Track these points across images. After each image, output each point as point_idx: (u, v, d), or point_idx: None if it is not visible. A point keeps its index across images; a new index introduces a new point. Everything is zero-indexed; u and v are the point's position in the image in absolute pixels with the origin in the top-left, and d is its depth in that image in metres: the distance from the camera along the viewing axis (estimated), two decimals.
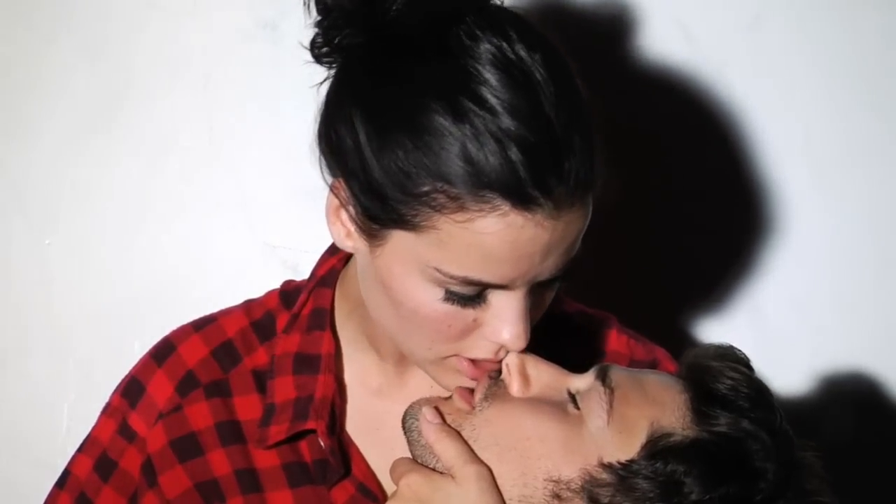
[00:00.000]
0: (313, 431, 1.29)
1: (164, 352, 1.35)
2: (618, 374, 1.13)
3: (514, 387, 1.15)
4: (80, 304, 1.73)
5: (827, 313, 1.72)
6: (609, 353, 1.36)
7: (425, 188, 1.10)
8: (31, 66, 1.69)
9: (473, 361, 1.19)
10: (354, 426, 1.32)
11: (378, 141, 1.12)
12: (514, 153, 1.07)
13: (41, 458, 1.72)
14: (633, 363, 1.34)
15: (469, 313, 1.16)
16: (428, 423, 1.14)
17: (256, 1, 1.68)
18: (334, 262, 1.35)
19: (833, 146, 1.70)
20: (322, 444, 1.29)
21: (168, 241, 1.71)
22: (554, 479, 1.08)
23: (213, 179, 1.70)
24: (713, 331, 1.72)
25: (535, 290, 1.17)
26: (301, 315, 1.33)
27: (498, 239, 1.09)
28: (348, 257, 1.34)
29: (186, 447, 1.31)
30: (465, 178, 1.08)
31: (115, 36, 1.69)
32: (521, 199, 1.08)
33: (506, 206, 1.08)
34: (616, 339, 1.37)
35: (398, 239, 1.14)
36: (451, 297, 1.14)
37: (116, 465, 1.34)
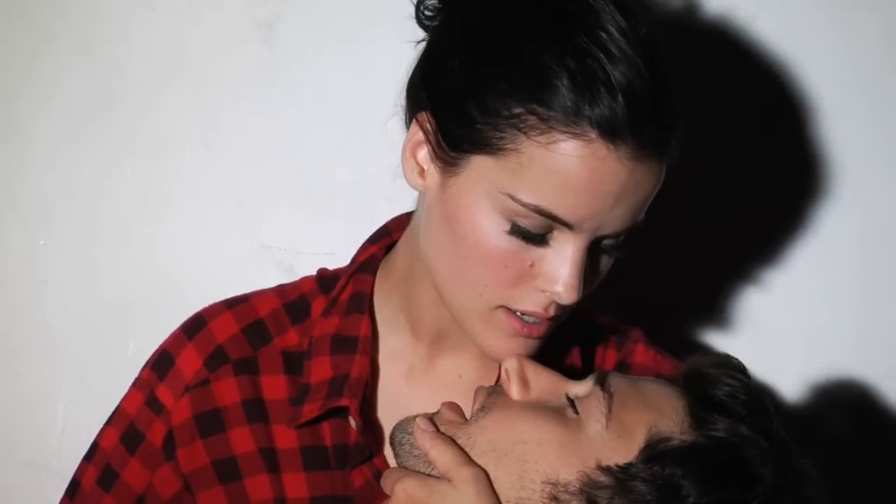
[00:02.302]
0: (346, 410, 1.30)
1: (195, 326, 1.37)
2: (616, 380, 1.14)
3: (514, 390, 1.16)
4: (75, 305, 1.72)
5: (822, 319, 1.73)
6: (635, 366, 1.38)
7: (517, 110, 1.15)
8: (25, 66, 1.69)
9: (520, 322, 1.22)
10: (382, 409, 1.34)
11: (480, 66, 1.17)
12: (618, 92, 1.13)
13: (36, 459, 1.72)
14: (659, 377, 1.33)
15: (528, 256, 1.18)
16: (422, 431, 1.15)
17: (252, 2, 1.68)
18: (375, 249, 1.37)
19: (827, 150, 1.70)
20: (353, 422, 1.30)
21: (163, 242, 1.71)
22: (552, 481, 1.08)
23: (209, 180, 1.70)
24: (709, 337, 1.72)
25: (594, 252, 1.20)
26: (340, 299, 1.36)
27: (580, 164, 1.14)
28: (389, 246, 1.37)
29: (210, 422, 1.33)
30: (564, 103, 1.13)
31: (110, 36, 1.68)
32: (610, 131, 1.13)
33: (593, 134, 1.13)
34: (643, 353, 1.39)
35: (476, 165, 1.18)
36: (516, 231, 1.17)
37: (144, 438, 1.36)
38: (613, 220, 1.18)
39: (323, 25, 1.68)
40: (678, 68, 1.19)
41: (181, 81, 1.68)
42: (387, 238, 1.38)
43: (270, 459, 1.32)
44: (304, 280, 1.41)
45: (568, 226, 1.16)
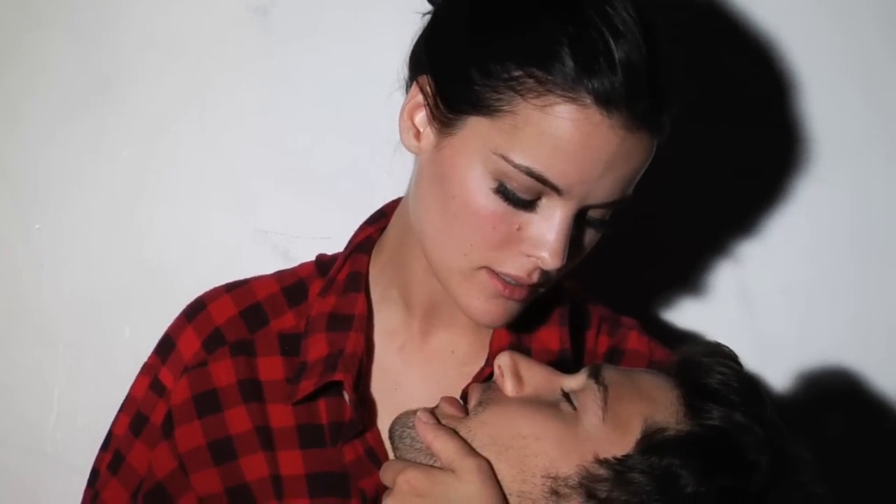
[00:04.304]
0: (341, 385, 1.32)
1: (195, 310, 1.40)
2: (610, 372, 1.14)
3: (508, 386, 1.16)
4: (70, 290, 1.72)
5: (816, 303, 1.72)
6: (629, 352, 1.39)
7: (516, 73, 1.16)
8: (21, 49, 1.68)
9: (502, 283, 1.23)
10: (376, 385, 1.35)
11: (484, 30, 1.19)
12: (617, 66, 1.15)
13: (31, 444, 1.72)
14: (652, 363, 1.37)
15: (516, 219, 1.20)
16: (424, 423, 1.15)
17: None
18: (371, 230, 1.39)
19: (823, 136, 1.70)
20: (347, 397, 1.32)
21: (159, 227, 1.70)
22: (552, 475, 1.09)
23: (205, 165, 1.69)
24: (701, 322, 1.72)
25: (581, 223, 1.22)
26: (337, 279, 1.37)
27: (573, 128, 1.16)
28: (384, 228, 1.39)
29: (207, 402, 1.35)
30: (564, 70, 1.15)
31: (107, 20, 1.67)
32: (606, 99, 1.15)
33: (589, 100, 1.15)
34: (637, 339, 1.40)
35: (471, 126, 1.19)
36: (504, 193, 1.19)
37: (148, 420, 1.38)
38: (602, 190, 1.19)
39: (318, 9, 1.67)
40: (669, 45, 1.20)
41: (177, 65, 1.68)
42: (383, 220, 1.40)
43: (266, 438, 1.33)
44: (304, 265, 1.43)
45: (557, 191, 1.18)
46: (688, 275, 1.72)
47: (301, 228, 1.69)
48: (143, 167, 1.70)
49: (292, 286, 1.40)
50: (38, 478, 1.71)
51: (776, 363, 1.68)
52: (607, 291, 1.45)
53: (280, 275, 1.42)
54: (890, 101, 1.69)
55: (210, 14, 1.67)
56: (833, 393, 1.71)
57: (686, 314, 1.72)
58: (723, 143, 1.68)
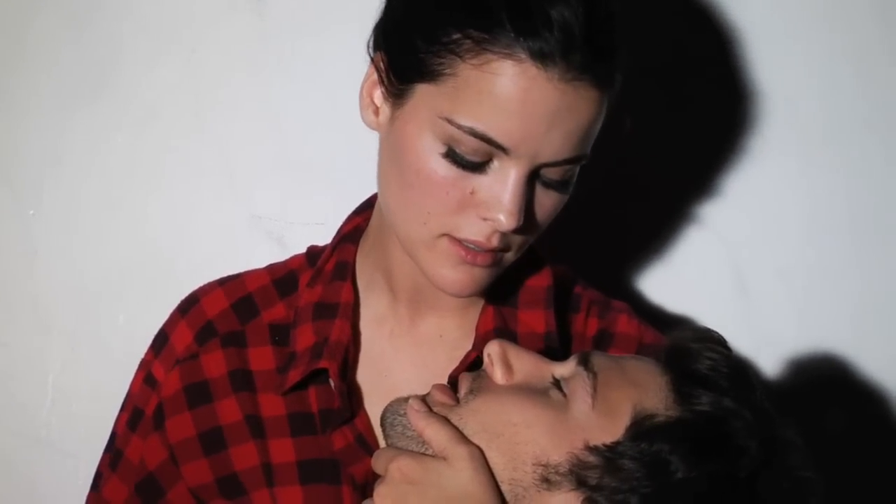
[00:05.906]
0: (326, 371, 1.33)
1: (188, 304, 1.41)
2: (599, 359, 1.14)
3: (498, 374, 1.16)
4: (65, 276, 1.73)
5: (812, 287, 1.72)
6: (618, 335, 1.39)
7: (455, 36, 1.18)
8: (16, 35, 1.68)
9: (465, 249, 1.24)
10: (364, 373, 1.36)
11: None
12: (553, 25, 1.16)
13: (25, 429, 1.73)
14: (642, 346, 1.37)
15: (469, 183, 1.21)
16: (416, 411, 1.14)
17: None
18: (359, 220, 1.41)
19: (813, 114, 1.70)
20: (333, 384, 1.33)
21: (153, 213, 1.71)
22: (542, 463, 1.09)
23: (199, 151, 1.70)
24: (694, 307, 1.72)
25: (537, 184, 1.22)
26: (325, 270, 1.39)
27: (511, 84, 1.17)
28: (371, 217, 1.39)
29: (198, 394, 1.36)
30: (498, 29, 1.17)
31: (102, 6, 1.68)
32: (540, 54, 1.16)
33: (524, 55, 1.17)
34: (627, 322, 1.40)
35: (419, 94, 1.21)
36: (454, 157, 1.20)
37: (143, 414, 1.39)
38: (551, 147, 1.20)
39: None
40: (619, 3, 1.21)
41: (172, 51, 1.68)
42: (370, 210, 1.40)
43: (256, 427, 1.34)
44: (295, 257, 1.44)
45: (504, 150, 1.19)
46: (681, 259, 1.72)
47: (296, 214, 1.69)
48: (137, 153, 1.70)
49: (283, 278, 1.41)
50: (32, 463, 1.72)
51: (771, 348, 1.69)
52: (597, 275, 1.45)
53: (272, 267, 1.43)
54: (885, 83, 1.69)
55: (205, 0, 1.67)
56: (829, 379, 1.71)
57: (679, 299, 1.73)
58: (716, 124, 1.68)
